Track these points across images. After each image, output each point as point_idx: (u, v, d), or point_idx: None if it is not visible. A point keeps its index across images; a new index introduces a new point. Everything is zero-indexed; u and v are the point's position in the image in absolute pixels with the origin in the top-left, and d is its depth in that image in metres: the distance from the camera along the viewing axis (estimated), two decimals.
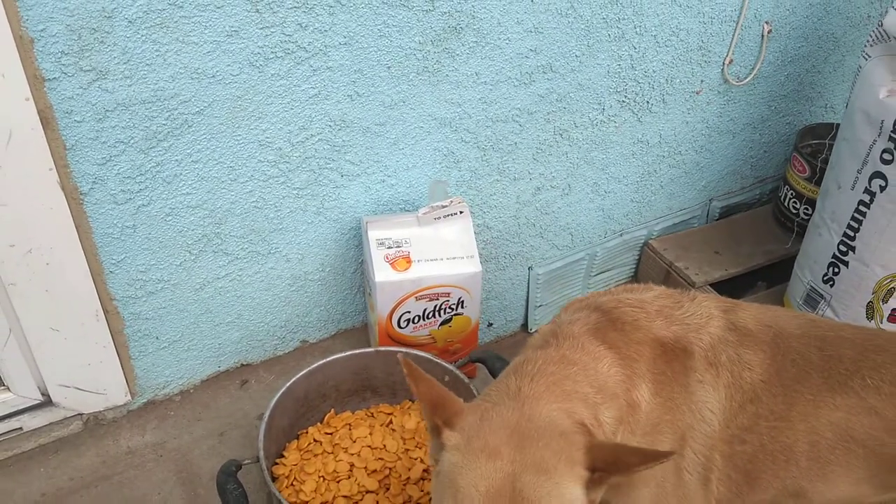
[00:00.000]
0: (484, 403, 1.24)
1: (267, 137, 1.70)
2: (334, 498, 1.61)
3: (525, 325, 2.44)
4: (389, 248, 1.81)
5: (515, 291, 2.36)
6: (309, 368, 1.74)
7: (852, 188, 2.00)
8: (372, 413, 1.82)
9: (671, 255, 2.49)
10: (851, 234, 2.02)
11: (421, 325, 1.87)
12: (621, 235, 2.49)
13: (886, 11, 1.89)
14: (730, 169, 2.57)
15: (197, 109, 1.58)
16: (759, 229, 2.61)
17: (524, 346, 1.41)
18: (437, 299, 1.84)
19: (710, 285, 2.42)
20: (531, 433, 1.17)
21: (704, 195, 2.58)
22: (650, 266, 2.53)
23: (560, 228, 2.33)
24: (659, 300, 1.41)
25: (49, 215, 1.54)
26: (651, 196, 2.45)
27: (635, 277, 2.61)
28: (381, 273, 1.79)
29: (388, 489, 1.64)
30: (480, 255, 1.95)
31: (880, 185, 1.93)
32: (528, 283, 2.37)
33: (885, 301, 2.02)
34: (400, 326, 1.86)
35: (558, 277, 2.41)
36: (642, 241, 2.55)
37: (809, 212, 2.40)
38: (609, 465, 1.14)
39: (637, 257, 2.58)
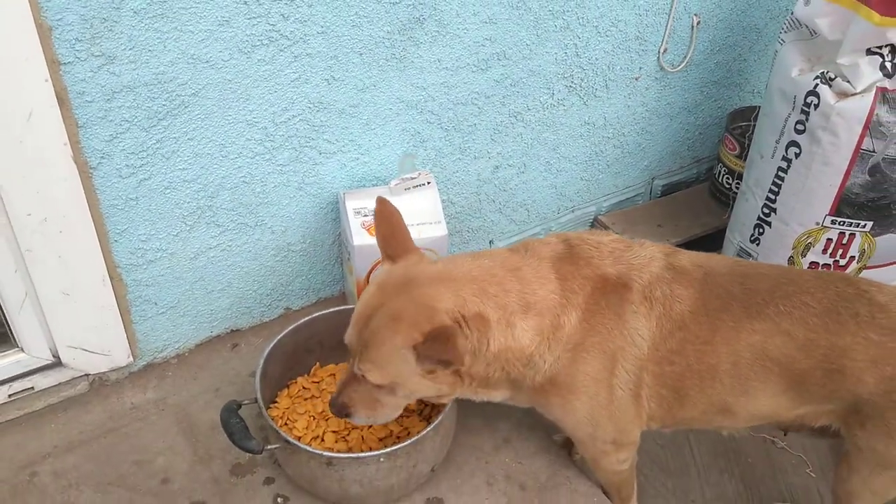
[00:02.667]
0: (431, 256, 1.56)
1: (254, 118, 1.90)
2: (324, 433, 1.81)
3: None
4: (366, 216, 2.03)
5: None
6: (296, 324, 1.93)
7: (772, 157, 2.27)
8: None
9: (618, 228, 2.74)
10: (773, 197, 2.29)
11: None
12: (573, 211, 2.73)
13: (796, 2, 2.16)
14: (669, 150, 2.83)
15: (192, 91, 1.79)
16: (696, 204, 2.88)
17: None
18: None
19: None
20: (413, 292, 1.51)
21: (647, 174, 2.84)
22: None
23: (517, 204, 2.57)
24: (613, 243, 1.68)
25: (63, 187, 1.72)
26: (599, 175, 2.70)
27: None
28: (359, 238, 2.00)
29: (370, 426, 1.84)
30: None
31: (795, 153, 2.19)
32: None
33: (803, 255, 2.28)
34: None
35: None
36: (592, 217, 2.79)
37: (740, 186, 2.67)
38: (433, 341, 1.43)
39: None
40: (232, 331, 2.23)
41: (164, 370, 2.12)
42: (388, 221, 1.61)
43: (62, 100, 1.64)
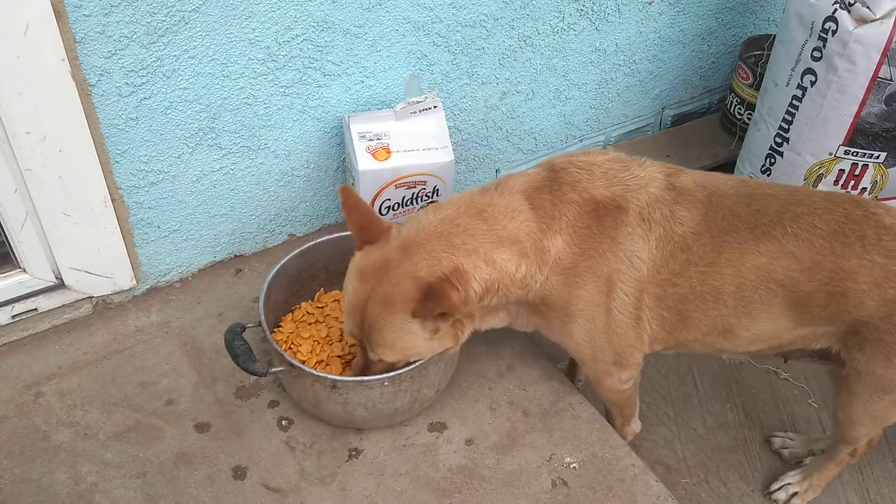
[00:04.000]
0: (393, 230, 1.58)
1: (256, 36, 1.85)
2: (328, 357, 1.81)
3: None
4: (370, 140, 1.99)
5: None
6: (300, 248, 1.91)
7: (787, 85, 2.22)
8: None
9: None
10: (786, 126, 2.24)
11: (400, 213, 2.06)
12: (581, 141, 2.69)
13: None
14: (681, 79, 2.77)
15: (193, 7, 1.73)
16: (706, 135, 2.84)
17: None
18: (415, 187, 2.03)
19: None
20: (392, 272, 1.53)
21: (657, 103, 2.79)
22: None
23: (525, 133, 2.52)
24: (609, 163, 1.64)
25: (61, 104, 1.69)
26: (608, 103, 2.64)
27: None
28: (364, 162, 1.97)
29: None
30: None
31: (811, 81, 2.14)
32: None
33: (814, 186, 2.25)
34: (381, 214, 2.04)
35: None
36: (600, 147, 2.75)
37: (752, 116, 2.62)
38: (430, 301, 1.47)
39: None
40: (235, 256, 2.21)
41: (167, 294, 2.11)
42: (357, 210, 1.59)
43: (59, 13, 1.59)
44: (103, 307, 2.05)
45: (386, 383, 1.67)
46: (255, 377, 1.77)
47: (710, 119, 2.92)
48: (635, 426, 1.95)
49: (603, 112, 2.66)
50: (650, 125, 2.83)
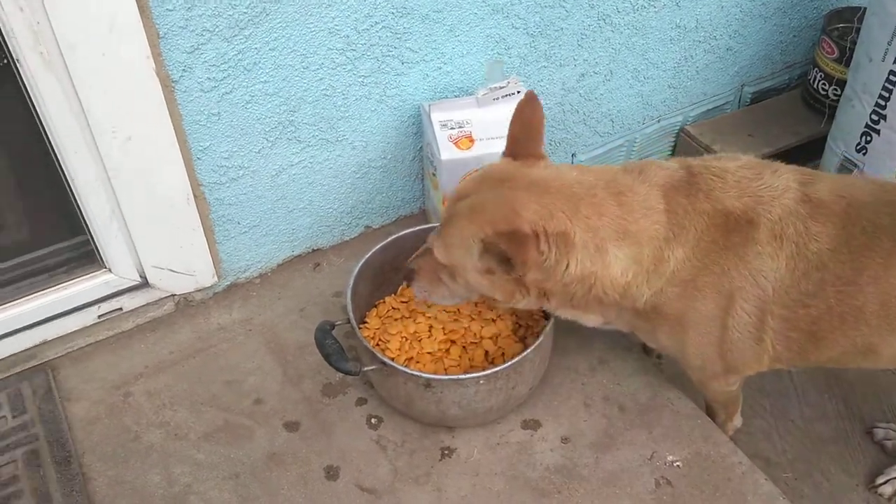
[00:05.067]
0: (542, 162, 1.53)
1: (336, 25, 1.80)
2: (418, 354, 1.77)
3: None
4: (452, 128, 1.93)
5: None
6: (384, 242, 1.87)
7: (883, 59, 2.10)
8: None
9: (707, 138, 2.60)
10: (882, 103, 2.13)
11: None
12: (659, 121, 2.60)
13: None
14: (761, 54, 2.65)
15: None
16: (788, 112, 2.72)
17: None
18: None
19: None
20: (504, 191, 1.46)
21: (737, 81, 2.68)
22: (686, 151, 2.64)
23: (602, 115, 2.44)
24: (741, 171, 1.52)
25: (146, 102, 1.66)
26: (687, 82, 2.55)
27: None
28: (446, 152, 1.91)
29: (464, 347, 1.79)
30: None
31: None
32: None
33: None
34: None
35: (599, 164, 2.52)
36: (678, 127, 2.65)
37: (838, 92, 2.50)
38: (501, 242, 1.40)
39: (673, 143, 2.69)
40: (313, 250, 2.18)
41: (248, 290, 2.09)
42: (524, 121, 1.54)
43: (143, 8, 1.56)
44: (185, 305, 2.03)
45: (481, 381, 1.62)
46: (342, 374, 1.73)
47: (791, 95, 2.80)
48: (737, 421, 1.88)
49: (681, 91, 2.57)
50: (729, 103, 2.73)
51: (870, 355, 1.56)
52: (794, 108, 2.75)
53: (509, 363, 1.61)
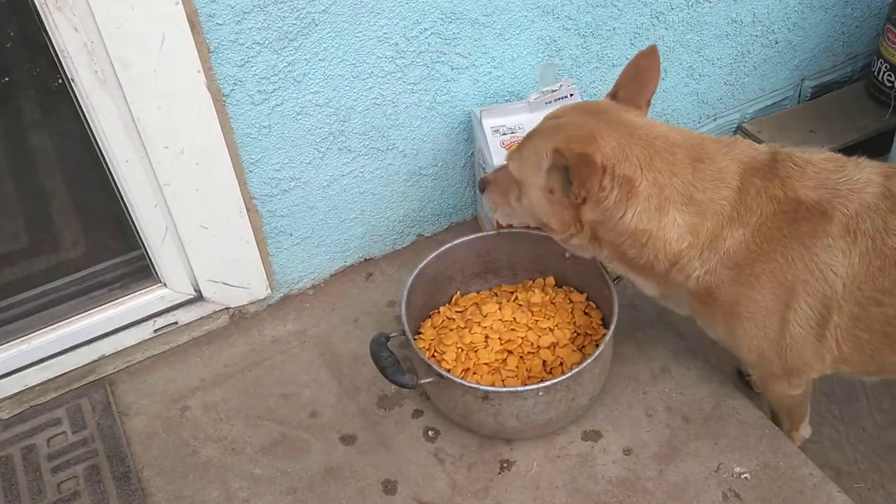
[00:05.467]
0: (639, 112, 1.57)
1: (385, 33, 1.78)
2: (475, 365, 1.73)
3: None
4: (504, 134, 1.90)
5: None
6: (437, 252, 1.84)
7: None
8: (496, 293, 1.93)
9: (766, 136, 2.52)
10: None
11: None
12: (715, 120, 2.52)
13: None
14: (822, 46, 2.56)
15: (322, 8, 1.67)
16: (851, 106, 2.62)
17: None
18: None
19: None
20: (592, 121, 1.50)
21: (797, 74, 2.59)
22: None
23: (656, 115, 2.38)
24: (824, 162, 1.48)
25: (198, 116, 1.66)
26: (744, 78, 2.47)
27: None
28: (500, 158, 1.87)
29: (521, 357, 1.76)
30: None
31: None
32: None
33: None
34: None
35: None
36: (735, 125, 2.58)
37: None
38: (574, 161, 1.42)
39: None
40: (365, 259, 2.16)
41: (301, 302, 2.08)
42: (638, 69, 1.58)
43: (193, 23, 1.55)
44: (240, 317, 2.03)
45: (540, 393, 1.58)
46: (398, 387, 1.70)
47: (854, 88, 2.70)
48: (804, 431, 1.81)
49: (738, 87, 2.49)
50: (788, 98, 2.64)
51: None
52: (857, 101, 2.65)
53: (568, 374, 1.57)
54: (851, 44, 2.63)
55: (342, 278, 2.13)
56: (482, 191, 1.73)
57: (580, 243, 1.58)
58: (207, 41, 1.59)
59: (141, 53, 1.53)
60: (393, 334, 1.71)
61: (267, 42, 1.65)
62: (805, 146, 2.44)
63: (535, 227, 1.79)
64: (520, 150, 1.57)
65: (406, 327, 1.69)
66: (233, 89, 1.68)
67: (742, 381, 2.09)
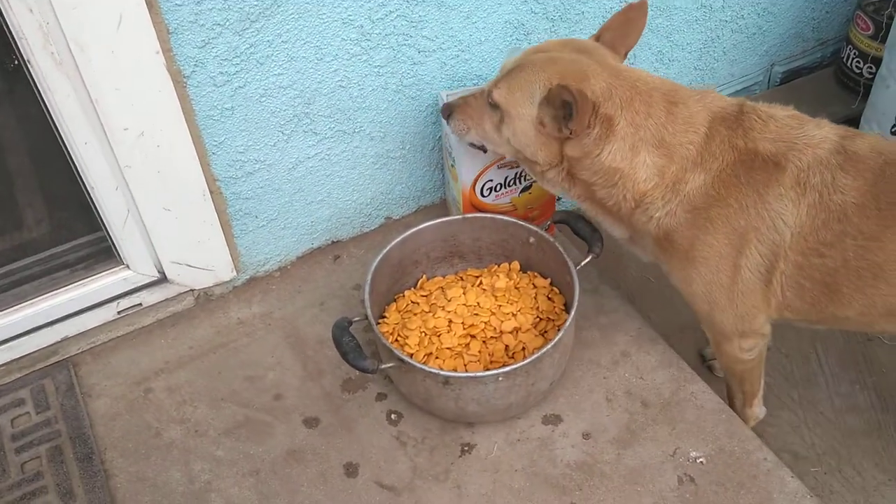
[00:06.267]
0: (618, 61, 1.61)
1: (349, 15, 1.76)
2: (437, 350, 1.74)
3: None
4: None
5: None
6: (402, 236, 1.85)
7: None
8: (461, 277, 1.93)
9: None
10: None
11: (503, 193, 1.97)
12: None
13: None
14: (792, 32, 2.57)
15: None
16: (821, 92, 2.64)
17: None
18: (518, 167, 1.92)
19: None
20: (583, 58, 1.53)
21: (766, 60, 2.60)
22: None
23: None
24: (786, 119, 1.53)
25: (157, 98, 1.64)
26: (714, 63, 2.48)
27: None
28: (465, 144, 1.87)
29: (484, 342, 1.77)
30: None
31: None
32: None
33: None
34: (483, 195, 1.95)
35: None
36: None
37: (873, 70, 2.42)
38: (563, 96, 1.45)
39: None
40: (332, 242, 2.16)
41: (267, 284, 2.08)
42: (626, 19, 1.61)
43: (151, 4, 1.54)
44: (205, 299, 2.03)
45: (500, 378, 1.59)
46: (366, 373, 1.71)
47: (823, 74, 2.71)
48: (758, 409, 1.84)
49: (708, 73, 2.50)
50: (758, 84, 2.65)
51: (892, 318, 1.53)
52: (826, 87, 2.66)
53: (528, 360, 1.59)
54: (821, 29, 2.64)
55: (309, 261, 2.13)
56: (447, 117, 1.73)
57: (555, 178, 1.62)
58: (166, 22, 1.58)
59: (97, 35, 1.51)
60: (356, 318, 1.71)
61: (228, 23, 1.64)
62: None
63: (499, 213, 1.80)
64: (507, 80, 1.56)
65: (369, 311, 1.70)
66: (194, 71, 1.67)
67: (704, 364, 2.12)
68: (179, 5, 1.57)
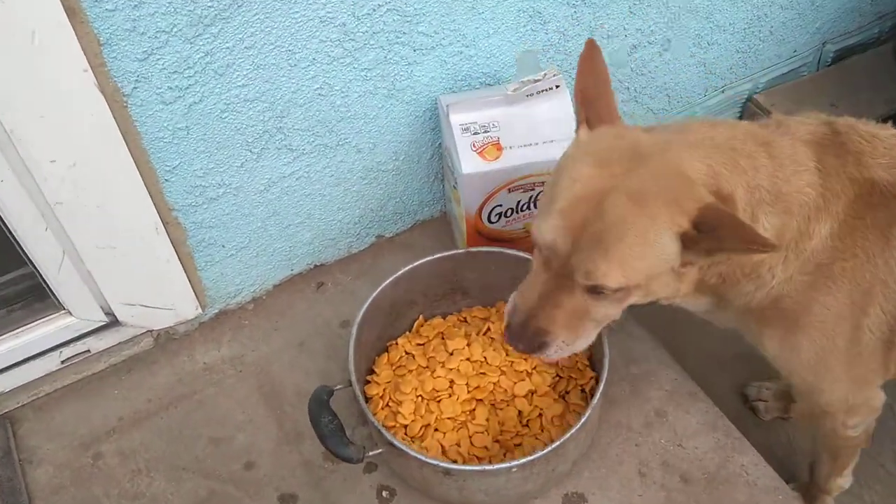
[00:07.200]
0: (638, 129, 1.18)
1: (328, 13, 1.43)
2: (437, 420, 1.46)
3: None
4: (476, 133, 1.57)
5: None
6: (394, 277, 1.54)
7: None
8: (465, 318, 1.64)
9: (780, 110, 2.19)
10: None
11: (514, 219, 1.66)
12: (723, 91, 2.20)
13: None
14: (848, 6, 2.22)
15: None
16: (878, 72, 2.30)
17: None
18: (534, 189, 1.61)
19: None
20: (652, 162, 1.10)
21: (818, 38, 2.26)
22: None
23: (656, 90, 2.05)
24: (892, 138, 1.20)
25: (90, 123, 1.33)
26: (759, 44, 2.14)
27: None
28: (469, 163, 1.56)
29: (493, 407, 1.49)
30: None
31: None
32: None
33: None
34: (490, 221, 1.65)
35: None
36: (746, 97, 2.25)
37: None
38: (712, 228, 1.05)
39: (738, 115, 2.30)
40: (315, 266, 1.86)
41: (239, 319, 1.78)
42: (594, 72, 1.20)
43: (73, 10, 1.21)
44: (167, 339, 1.74)
45: (514, 470, 1.31)
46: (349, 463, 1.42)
47: (881, 52, 2.36)
48: (845, 481, 1.57)
49: (751, 55, 2.16)
50: (807, 65, 2.31)
51: None
52: (884, 66, 2.32)
53: (548, 448, 1.30)
54: (881, 2, 2.29)
55: (288, 289, 1.83)
56: (536, 349, 1.21)
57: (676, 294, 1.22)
58: (96, 32, 1.25)
59: (7, 53, 1.19)
60: (337, 388, 1.42)
61: (175, 29, 1.31)
62: None
63: (509, 240, 1.49)
64: (609, 256, 1.08)
65: (354, 380, 1.41)
66: (135, 87, 1.35)
67: (746, 405, 1.85)
68: (111, 11, 1.24)
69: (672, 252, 1.09)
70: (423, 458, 1.32)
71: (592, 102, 1.19)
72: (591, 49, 1.21)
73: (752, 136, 1.17)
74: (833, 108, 2.20)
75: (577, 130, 1.21)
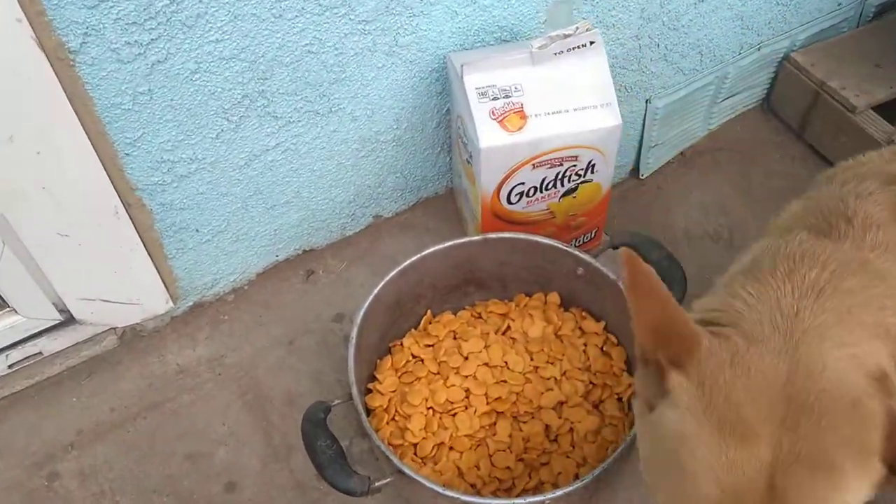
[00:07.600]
0: (733, 336, 0.83)
1: None
2: (452, 438, 1.25)
3: (636, 170, 1.98)
4: (495, 98, 1.33)
5: (627, 131, 1.86)
6: (400, 268, 1.32)
7: None
8: (479, 314, 1.42)
9: (821, 71, 1.96)
10: None
11: (537, 199, 1.43)
12: (759, 49, 1.96)
13: None
14: None
15: None
16: None
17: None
18: (562, 164, 1.38)
19: (873, 109, 1.92)
20: (809, 403, 0.78)
21: None
22: (791, 87, 2.02)
23: (688, 47, 1.82)
24: None
25: (27, 86, 1.08)
26: None
27: (767, 101, 2.11)
28: (488, 136, 1.32)
29: (516, 420, 1.27)
30: None
31: None
32: (644, 120, 1.89)
33: None
34: (510, 202, 1.42)
35: (679, 109, 1.92)
36: (783, 54, 2.02)
37: None
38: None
39: (772, 76, 2.07)
40: (304, 251, 1.62)
41: (217, 313, 1.55)
42: (650, 292, 0.82)
43: None
44: (133, 337, 1.51)
45: (547, 503, 1.10)
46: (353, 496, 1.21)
47: None
48: None
49: (792, 8, 1.92)
50: (847, 20, 2.08)
51: None
52: None
53: (588, 477, 1.09)
54: None
55: (274, 278, 1.60)
56: None
57: None
58: None
59: None
60: (335, 402, 1.20)
61: None
62: (869, 85, 1.93)
63: (530, 223, 1.26)
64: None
65: (355, 394, 1.19)
66: (84, 42, 1.09)
67: None
68: None
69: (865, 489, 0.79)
70: (436, 487, 1.10)
71: (664, 333, 0.82)
72: (633, 263, 0.82)
73: (854, 268, 0.89)
74: (877, 69, 1.98)
75: (658, 377, 0.83)
